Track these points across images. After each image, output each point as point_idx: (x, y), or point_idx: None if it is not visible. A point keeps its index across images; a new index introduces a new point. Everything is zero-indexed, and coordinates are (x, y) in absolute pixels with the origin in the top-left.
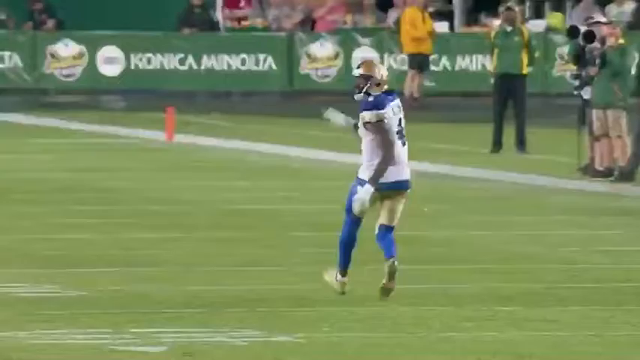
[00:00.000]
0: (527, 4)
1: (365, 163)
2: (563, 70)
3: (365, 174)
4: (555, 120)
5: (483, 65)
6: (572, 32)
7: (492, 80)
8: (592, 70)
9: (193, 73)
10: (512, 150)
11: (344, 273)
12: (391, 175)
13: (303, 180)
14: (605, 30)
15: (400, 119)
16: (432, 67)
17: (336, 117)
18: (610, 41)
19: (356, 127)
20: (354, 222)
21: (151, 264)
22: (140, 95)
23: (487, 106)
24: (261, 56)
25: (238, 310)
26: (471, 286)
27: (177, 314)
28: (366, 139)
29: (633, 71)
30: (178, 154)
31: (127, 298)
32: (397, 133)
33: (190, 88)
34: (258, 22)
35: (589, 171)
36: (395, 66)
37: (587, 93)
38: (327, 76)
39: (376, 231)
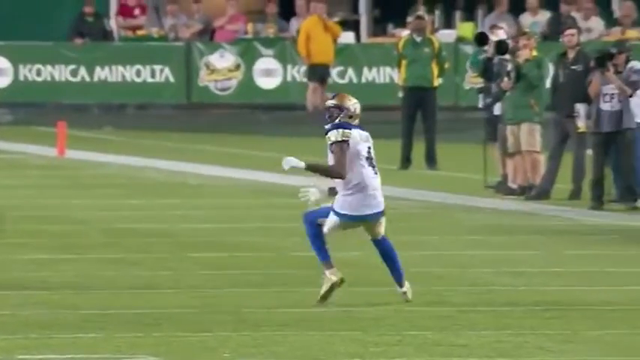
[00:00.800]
0: (437, 13)
1: (340, 194)
2: (475, 82)
3: (340, 205)
4: (467, 134)
5: (391, 77)
6: (481, 39)
7: (401, 93)
8: (505, 84)
9: (86, 85)
10: (421, 166)
11: (329, 265)
12: (364, 208)
13: (201, 198)
14: (520, 41)
15: (369, 148)
16: (338, 80)
17: (316, 193)
18: (525, 53)
19: (332, 191)
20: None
21: (42, 287)
22: (29, 109)
23: (395, 121)
24: (158, 67)
25: (132, 335)
26: (377, 310)
27: (68, 339)
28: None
29: (548, 84)
30: (70, 171)
31: (17, 323)
32: (366, 159)
33: (83, 101)
34: (154, 31)
35: (502, 189)
36: (298, 78)
37: (497, 108)
38: (227, 89)
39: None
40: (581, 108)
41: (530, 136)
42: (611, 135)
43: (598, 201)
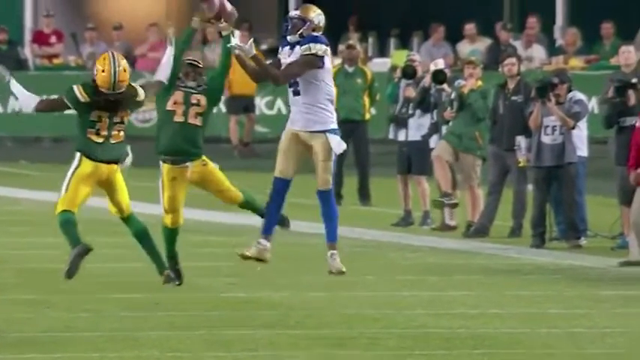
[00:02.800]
0: (371, 41)
1: (308, 107)
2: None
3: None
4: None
5: None
6: (410, 72)
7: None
8: (447, 113)
9: None
10: (354, 202)
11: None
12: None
13: (122, 236)
14: (465, 70)
15: None
16: (266, 111)
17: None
18: (470, 83)
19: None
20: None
21: None
22: None
23: None
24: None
25: None
26: (303, 354)
27: None
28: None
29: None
30: None
31: None
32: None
33: None
34: (72, 59)
35: (442, 226)
36: (223, 109)
37: (433, 140)
38: (148, 120)
39: None
40: (521, 141)
41: (469, 170)
42: (553, 169)
43: (540, 239)
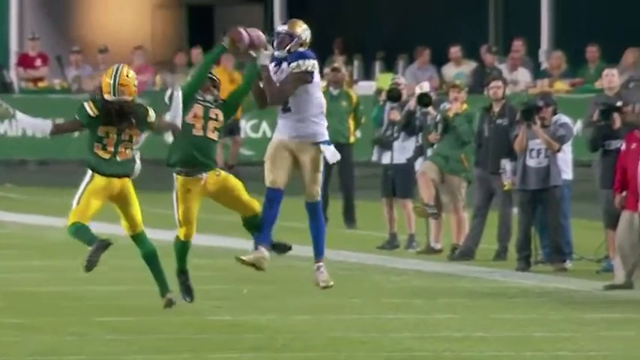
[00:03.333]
0: (356, 64)
1: (299, 120)
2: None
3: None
4: None
5: None
6: (395, 95)
7: None
8: (432, 136)
9: None
10: (339, 225)
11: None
12: None
13: (108, 259)
14: (450, 94)
15: None
16: (251, 134)
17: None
18: (455, 106)
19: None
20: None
21: None
22: None
23: None
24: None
25: None
26: None
27: None
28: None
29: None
30: None
31: None
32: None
33: None
34: (57, 83)
35: (427, 249)
36: None
37: (418, 163)
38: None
39: None
40: (506, 164)
41: (455, 193)
42: (538, 192)
43: (525, 262)
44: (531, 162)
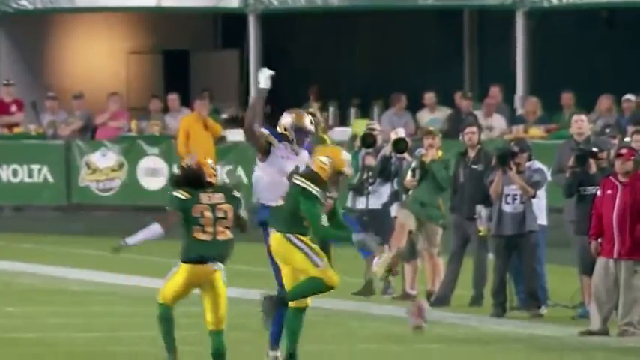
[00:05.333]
0: (332, 109)
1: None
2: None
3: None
4: None
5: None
6: (368, 141)
7: None
8: (409, 182)
9: None
10: None
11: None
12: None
13: (81, 305)
14: (425, 141)
15: None
16: (229, 181)
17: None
18: (431, 153)
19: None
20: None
21: None
22: None
23: None
24: (36, 167)
25: None
26: None
27: None
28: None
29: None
30: None
31: None
32: None
33: None
34: (32, 129)
35: (402, 295)
36: None
37: (394, 209)
38: (109, 189)
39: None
40: (482, 210)
41: (431, 238)
42: (514, 238)
43: (500, 307)
44: (507, 208)
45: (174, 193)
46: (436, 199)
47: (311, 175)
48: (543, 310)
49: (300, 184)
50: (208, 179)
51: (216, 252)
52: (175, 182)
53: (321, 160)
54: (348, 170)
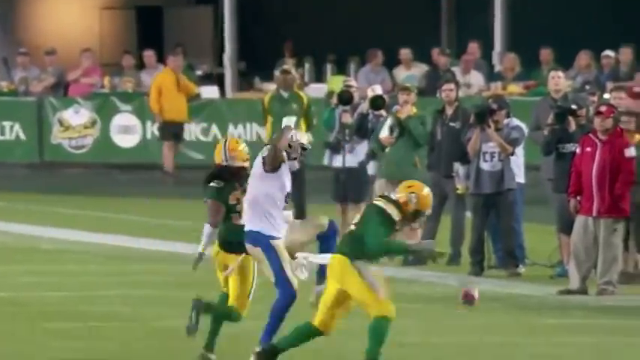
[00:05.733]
0: (307, 66)
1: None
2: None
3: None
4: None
5: (259, 135)
6: (346, 98)
7: None
8: (386, 139)
9: None
10: None
11: None
12: None
13: (53, 264)
14: (400, 97)
15: None
16: (202, 137)
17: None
18: (406, 109)
19: None
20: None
21: None
22: None
23: None
24: (7, 124)
25: None
26: None
27: None
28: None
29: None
30: None
31: None
32: None
33: None
34: (4, 85)
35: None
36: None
37: (371, 167)
38: (82, 147)
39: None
40: (459, 168)
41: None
42: (492, 196)
43: (478, 266)
44: (485, 165)
45: (211, 184)
46: (412, 156)
47: (394, 203)
48: (521, 269)
49: (382, 205)
50: (242, 164)
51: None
52: (212, 177)
53: (410, 196)
54: (428, 212)
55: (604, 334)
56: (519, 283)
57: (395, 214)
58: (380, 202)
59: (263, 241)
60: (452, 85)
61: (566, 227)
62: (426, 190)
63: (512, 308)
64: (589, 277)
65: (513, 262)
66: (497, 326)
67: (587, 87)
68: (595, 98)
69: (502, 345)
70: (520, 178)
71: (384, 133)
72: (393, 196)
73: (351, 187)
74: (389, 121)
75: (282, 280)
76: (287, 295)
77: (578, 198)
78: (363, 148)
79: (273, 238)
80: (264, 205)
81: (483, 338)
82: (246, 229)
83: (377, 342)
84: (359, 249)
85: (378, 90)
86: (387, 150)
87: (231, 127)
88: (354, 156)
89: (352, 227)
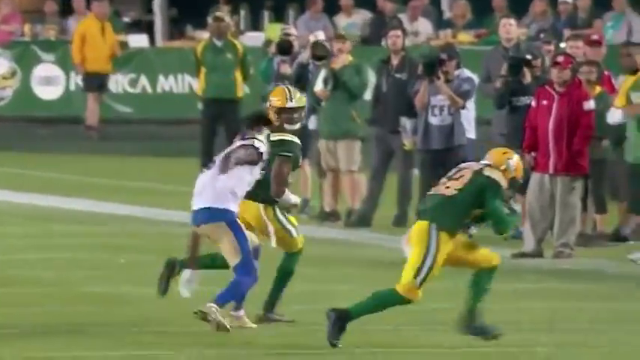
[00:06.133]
0: (243, 13)
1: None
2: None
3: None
4: None
5: (191, 87)
6: (285, 48)
7: (200, 105)
8: (321, 92)
9: None
10: None
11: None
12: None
13: None
14: (334, 45)
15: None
16: (130, 89)
17: None
18: (341, 59)
19: None
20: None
21: None
22: None
23: (195, 136)
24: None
25: None
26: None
27: None
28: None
29: (368, 95)
30: None
31: None
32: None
33: None
34: None
35: (322, 215)
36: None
37: (312, 121)
38: (1, 99)
39: None
40: (406, 122)
41: (349, 154)
42: (441, 152)
43: None
44: (434, 120)
45: (293, 148)
46: (349, 109)
47: (498, 172)
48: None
49: (493, 175)
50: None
51: None
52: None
53: (508, 163)
54: (520, 179)
55: (560, 300)
56: None
57: (503, 183)
58: (489, 173)
59: (229, 217)
60: (398, 32)
61: (521, 186)
62: (517, 156)
63: (465, 273)
64: (545, 239)
65: None
66: (448, 292)
67: (542, 35)
68: (551, 47)
69: (453, 310)
70: (471, 133)
71: (318, 87)
72: (490, 163)
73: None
74: (322, 73)
75: (248, 259)
76: (253, 276)
77: (533, 154)
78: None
79: (236, 215)
80: (235, 186)
81: (433, 305)
82: (206, 205)
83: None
84: (454, 219)
85: (320, 37)
86: (322, 104)
87: (161, 79)
88: None
89: (446, 190)
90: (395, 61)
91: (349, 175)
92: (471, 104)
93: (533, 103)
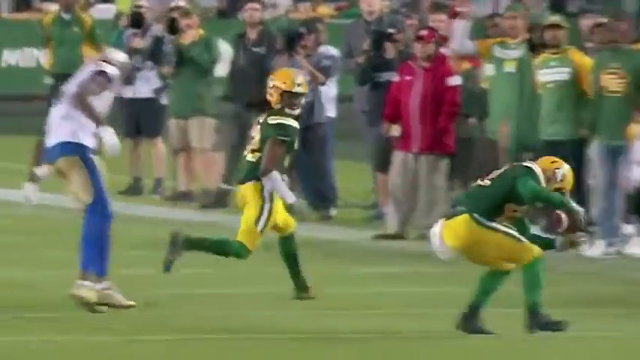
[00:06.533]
0: None
1: None
2: None
3: None
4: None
5: (38, 61)
6: (137, 21)
7: (49, 80)
8: (166, 70)
9: None
10: None
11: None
12: None
13: None
14: (181, 21)
15: None
16: None
17: None
18: (190, 34)
19: None
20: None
21: None
22: None
23: (43, 112)
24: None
25: None
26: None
27: None
28: None
29: (224, 71)
30: None
31: None
32: None
33: None
34: None
35: (176, 195)
36: None
37: (166, 98)
38: None
39: None
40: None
41: (201, 132)
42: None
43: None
44: None
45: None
46: (199, 87)
47: (540, 171)
48: (333, 212)
49: (534, 167)
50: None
51: None
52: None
53: (556, 172)
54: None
55: (422, 285)
56: (330, 227)
57: (542, 179)
58: (531, 164)
59: (83, 152)
60: (256, 5)
61: (383, 165)
62: (568, 167)
63: (323, 255)
64: (409, 221)
65: (324, 204)
66: (306, 275)
67: (404, 9)
68: (413, 21)
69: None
70: (331, 111)
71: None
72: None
73: (144, 120)
74: (169, 50)
75: (102, 197)
76: (107, 215)
77: (396, 128)
78: (155, 75)
79: (91, 151)
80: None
81: (280, 288)
82: (60, 139)
83: (538, 286)
84: (492, 210)
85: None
86: (170, 82)
87: (6, 53)
88: (147, 85)
89: (481, 183)
90: (252, 35)
91: (202, 154)
92: (331, 82)
93: (397, 79)
